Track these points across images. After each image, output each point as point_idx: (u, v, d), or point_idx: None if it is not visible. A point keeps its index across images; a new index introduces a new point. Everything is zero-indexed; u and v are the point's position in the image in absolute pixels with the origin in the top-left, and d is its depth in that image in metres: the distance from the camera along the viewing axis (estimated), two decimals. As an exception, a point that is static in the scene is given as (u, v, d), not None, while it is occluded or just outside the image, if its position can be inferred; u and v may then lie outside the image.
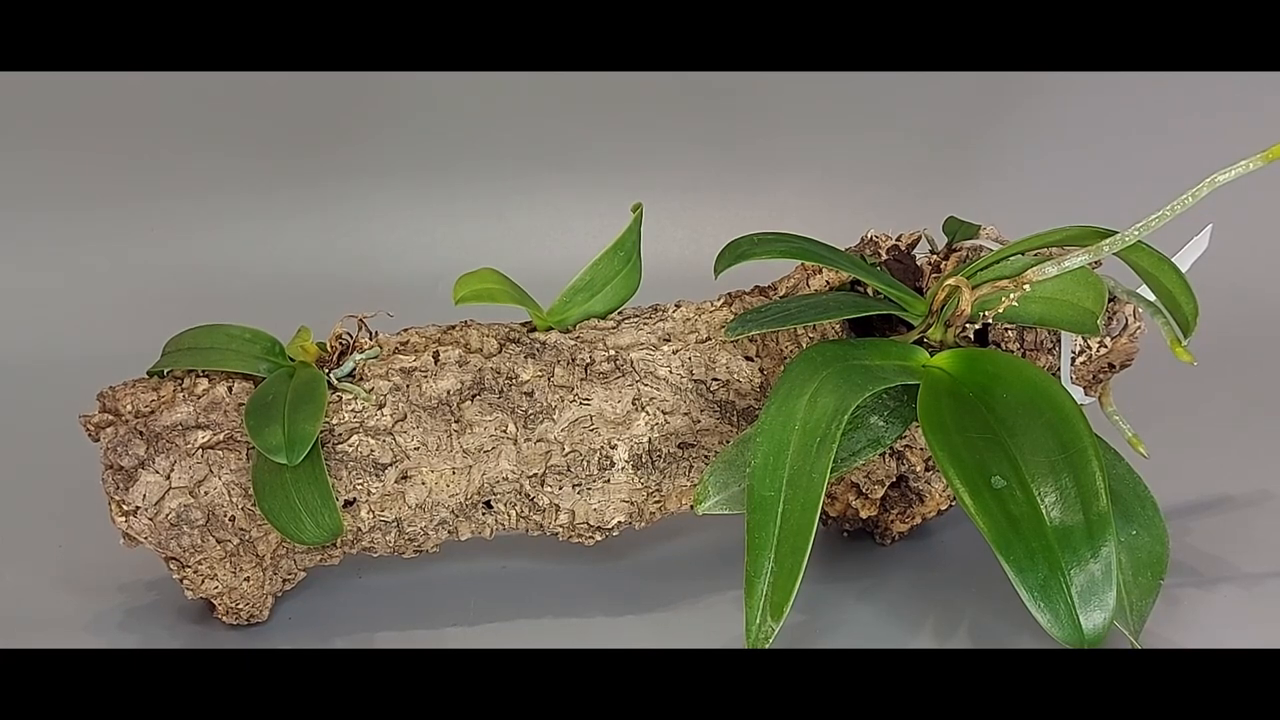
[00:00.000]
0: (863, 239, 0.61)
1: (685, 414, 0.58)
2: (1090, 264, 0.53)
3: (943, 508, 0.61)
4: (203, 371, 0.58)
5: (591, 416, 0.57)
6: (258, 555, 0.56)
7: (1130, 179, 1.01)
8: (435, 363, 0.58)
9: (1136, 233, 0.51)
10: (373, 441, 0.56)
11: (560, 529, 0.58)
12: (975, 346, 0.56)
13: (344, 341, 0.59)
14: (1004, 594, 0.49)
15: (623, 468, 0.57)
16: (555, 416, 0.57)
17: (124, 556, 0.58)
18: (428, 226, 1.02)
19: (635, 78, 1.01)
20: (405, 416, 0.56)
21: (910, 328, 0.56)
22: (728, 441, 0.58)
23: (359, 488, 0.56)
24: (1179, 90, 1.02)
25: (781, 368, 0.57)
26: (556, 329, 0.60)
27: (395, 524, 0.56)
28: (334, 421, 0.56)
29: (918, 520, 0.62)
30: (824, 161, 1.06)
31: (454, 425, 0.56)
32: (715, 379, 0.59)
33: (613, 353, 0.58)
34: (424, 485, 0.56)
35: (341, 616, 0.59)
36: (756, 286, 0.63)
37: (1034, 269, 0.53)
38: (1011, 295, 0.53)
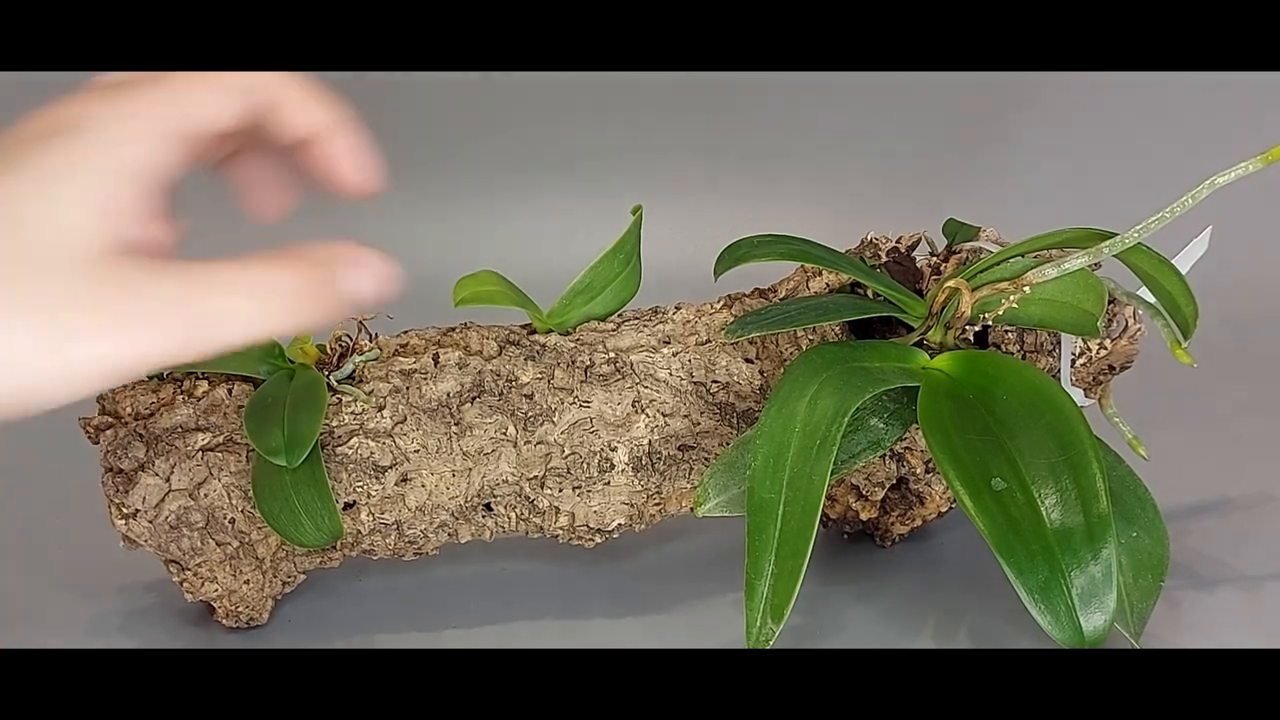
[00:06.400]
0: (862, 241, 0.61)
1: (685, 416, 0.58)
2: (1090, 266, 0.53)
3: (943, 510, 0.61)
4: (202, 373, 0.58)
5: (591, 419, 0.57)
6: (257, 558, 0.56)
7: (1130, 180, 1.01)
8: (435, 365, 0.58)
9: (1136, 235, 0.51)
10: (373, 444, 0.56)
11: (560, 531, 0.58)
12: (975, 348, 0.56)
13: (344, 344, 0.59)
14: (1004, 596, 0.49)
15: (623, 470, 0.57)
16: (555, 419, 0.57)
17: (124, 559, 0.58)
18: (427, 228, 1.02)
19: (635, 78, 1.01)
20: (405, 419, 0.56)
21: (910, 330, 0.56)
22: (727, 444, 0.58)
23: (359, 490, 0.55)
24: (1179, 90, 1.02)
25: (781, 370, 0.57)
26: (556, 331, 0.60)
27: (395, 526, 0.56)
28: (334, 424, 0.56)
29: (918, 522, 0.62)
30: (824, 163, 1.06)
31: (454, 427, 0.56)
32: (715, 381, 0.59)
33: (613, 355, 0.58)
34: (424, 488, 0.56)
35: (341, 619, 0.59)
36: (756, 289, 0.63)
37: (1034, 271, 0.53)
38: (1011, 297, 0.53)
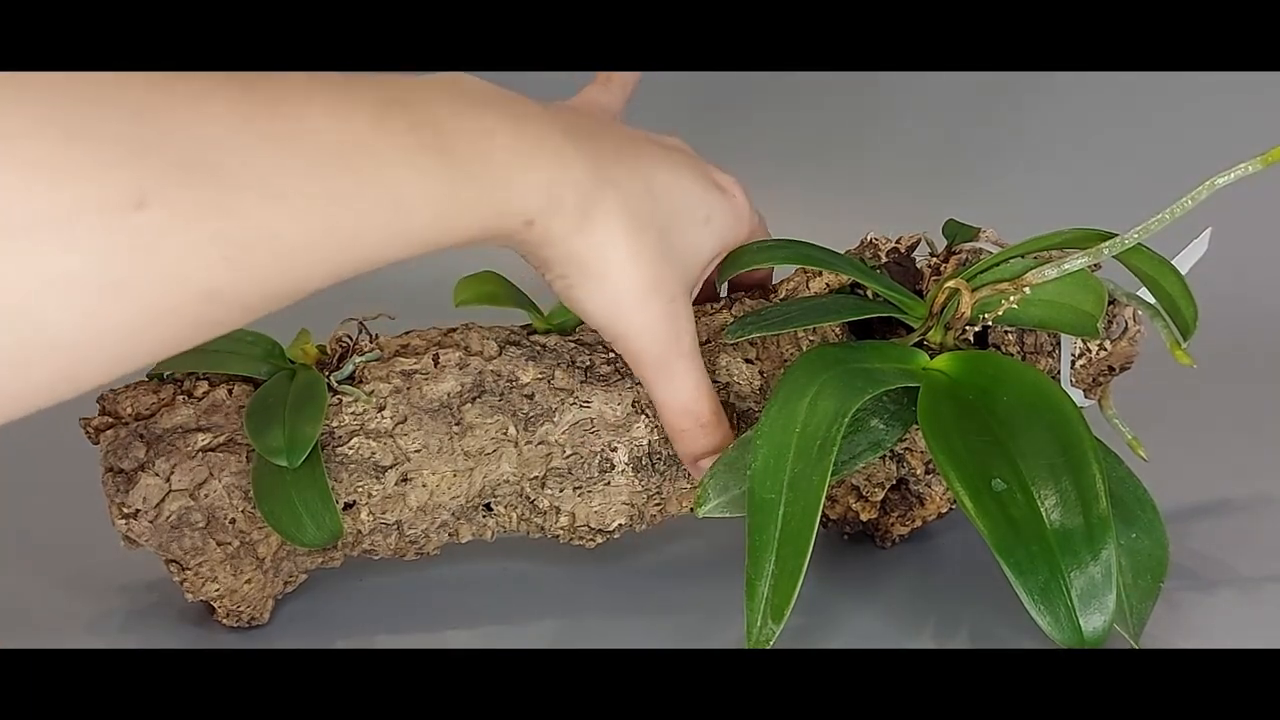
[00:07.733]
0: (862, 242, 0.61)
1: (685, 416, 0.58)
2: (1090, 267, 0.53)
3: (943, 510, 0.61)
4: (203, 374, 0.58)
5: (592, 419, 0.57)
6: (258, 557, 0.56)
7: (1130, 181, 1.01)
8: (436, 365, 0.58)
9: (1136, 236, 0.51)
10: (373, 444, 0.56)
11: (561, 531, 0.58)
12: (975, 349, 0.56)
13: (344, 344, 0.59)
14: (1004, 597, 0.49)
15: (623, 470, 0.57)
16: (556, 419, 0.57)
17: (124, 559, 0.58)
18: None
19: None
20: (406, 419, 0.56)
21: (910, 330, 0.56)
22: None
23: (359, 490, 0.56)
24: (1179, 90, 1.02)
25: (782, 371, 0.57)
26: (556, 332, 0.60)
27: (396, 526, 0.56)
28: (334, 424, 0.56)
29: (918, 523, 0.62)
30: (824, 163, 1.06)
31: (455, 427, 0.56)
32: (715, 381, 0.59)
33: (612, 356, 0.58)
34: (425, 487, 0.56)
35: (342, 619, 0.59)
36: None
37: (1034, 272, 0.53)
38: (1011, 298, 0.53)
